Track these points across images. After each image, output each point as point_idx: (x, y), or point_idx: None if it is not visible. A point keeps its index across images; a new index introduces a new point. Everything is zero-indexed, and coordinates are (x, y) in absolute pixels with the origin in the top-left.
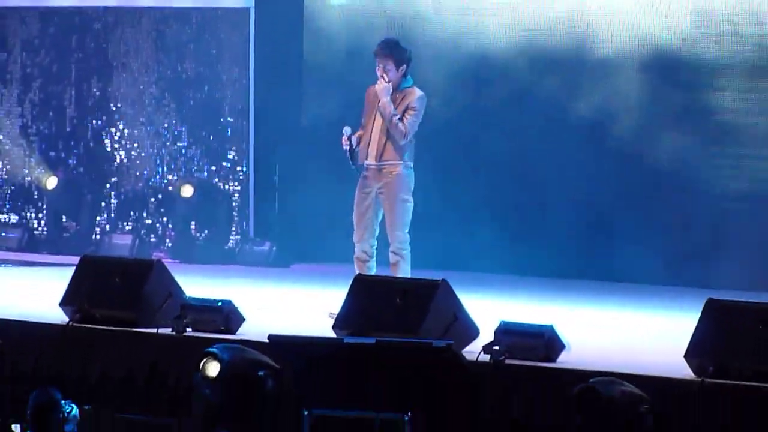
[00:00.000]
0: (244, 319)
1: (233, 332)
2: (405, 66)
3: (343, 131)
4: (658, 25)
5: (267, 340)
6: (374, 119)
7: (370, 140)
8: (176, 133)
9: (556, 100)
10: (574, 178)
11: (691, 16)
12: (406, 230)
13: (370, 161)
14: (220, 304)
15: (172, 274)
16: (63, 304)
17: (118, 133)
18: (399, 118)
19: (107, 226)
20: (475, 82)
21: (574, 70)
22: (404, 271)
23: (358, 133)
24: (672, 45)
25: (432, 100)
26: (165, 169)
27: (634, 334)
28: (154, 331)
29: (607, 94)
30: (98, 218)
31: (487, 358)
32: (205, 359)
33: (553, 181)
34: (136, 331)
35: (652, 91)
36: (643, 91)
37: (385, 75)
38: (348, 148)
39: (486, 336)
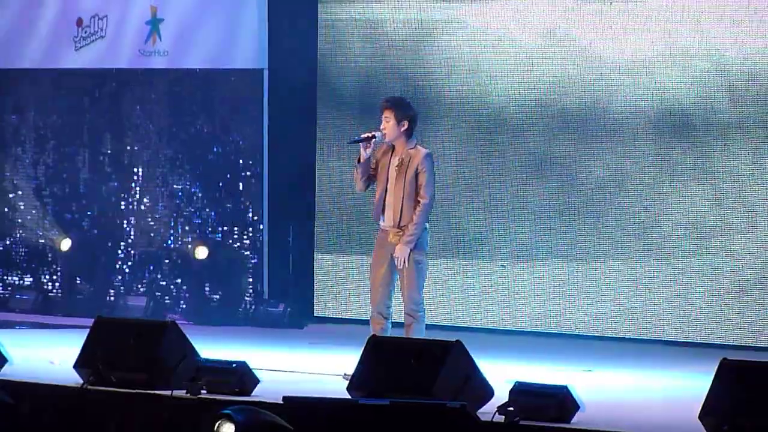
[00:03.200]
0: (259, 381)
1: (248, 394)
2: (407, 123)
3: (375, 134)
4: (672, 83)
5: (282, 402)
6: (387, 180)
7: (385, 203)
8: (190, 194)
9: (570, 160)
10: (586, 235)
11: (705, 75)
12: (421, 291)
13: (387, 224)
14: (234, 365)
15: (187, 335)
16: (78, 366)
17: (132, 195)
18: (415, 200)
19: (121, 288)
20: (488, 142)
21: (587, 129)
22: (419, 332)
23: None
24: (686, 103)
25: (446, 160)
26: (179, 230)
27: (649, 393)
28: (169, 392)
29: (621, 153)
30: (112, 280)
31: (501, 419)
32: (220, 421)
33: (566, 236)
34: (151, 393)
35: (666, 149)
36: (658, 149)
37: (385, 125)
38: (365, 138)
39: (501, 396)
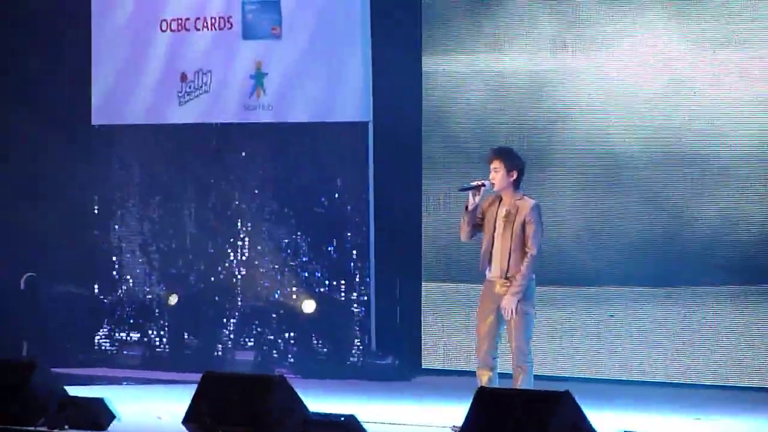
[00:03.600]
0: None
1: None
2: (516, 173)
3: (484, 183)
4: None
5: None
6: (494, 230)
7: (492, 254)
8: (297, 247)
9: (683, 204)
10: (698, 281)
11: None
12: (530, 342)
13: (494, 275)
14: (343, 419)
15: (295, 389)
16: (186, 421)
17: (238, 249)
18: (522, 252)
19: (229, 343)
20: (606, 185)
21: (701, 173)
22: (527, 383)
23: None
24: None
25: (558, 208)
26: (286, 283)
27: None
28: None
29: (735, 198)
30: (220, 334)
31: None
32: None
33: (679, 282)
34: None
35: None
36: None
37: (494, 175)
38: (474, 186)
39: None
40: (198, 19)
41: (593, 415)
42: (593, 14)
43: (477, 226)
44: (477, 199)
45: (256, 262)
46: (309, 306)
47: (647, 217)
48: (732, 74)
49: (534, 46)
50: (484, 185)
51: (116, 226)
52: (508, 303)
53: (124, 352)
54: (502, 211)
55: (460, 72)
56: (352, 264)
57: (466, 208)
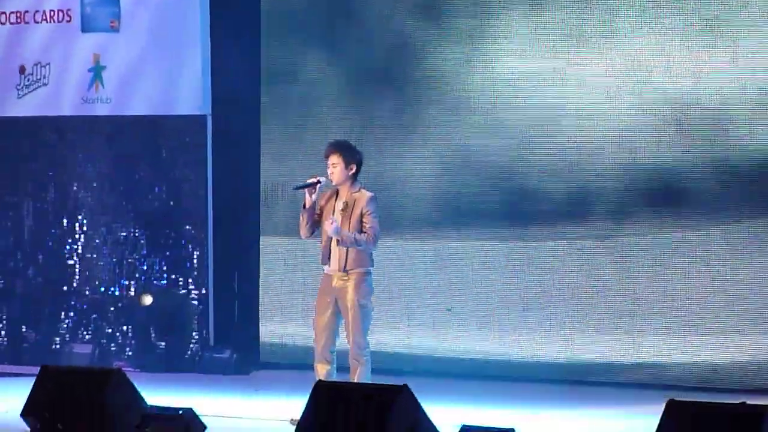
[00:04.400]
0: (205, 428)
1: None
2: (355, 166)
3: (320, 179)
4: None
5: None
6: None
7: (330, 249)
8: (135, 240)
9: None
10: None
11: None
12: (366, 336)
13: (333, 268)
14: (181, 412)
15: (133, 382)
16: (24, 414)
17: (76, 243)
18: (359, 233)
19: (67, 336)
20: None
21: None
22: (365, 376)
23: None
24: None
25: None
26: (124, 277)
27: None
28: None
29: None
30: (58, 328)
31: None
32: None
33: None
34: None
35: None
36: None
37: (333, 170)
38: (310, 183)
39: None
40: (37, 12)
41: (431, 408)
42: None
43: (316, 223)
44: (314, 196)
45: (95, 256)
46: (146, 299)
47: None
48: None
49: (374, 37)
50: (320, 182)
51: None
52: (329, 226)
53: None
54: (340, 205)
55: (299, 64)
56: (190, 257)
57: (304, 206)
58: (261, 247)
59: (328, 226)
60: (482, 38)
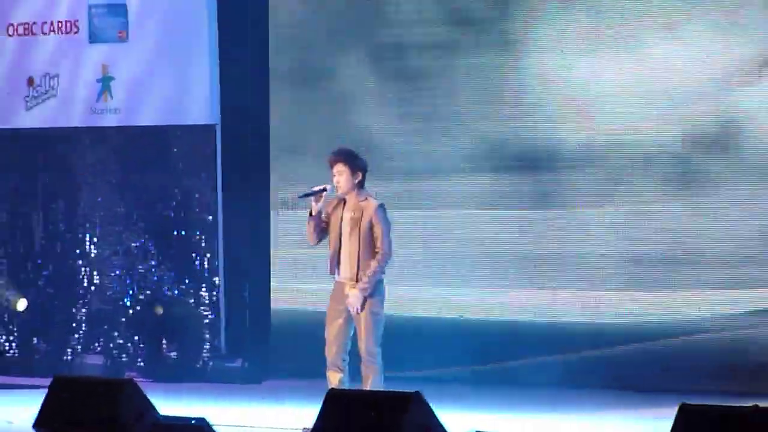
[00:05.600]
0: None
1: None
2: (360, 174)
3: (326, 187)
4: None
5: None
6: (340, 234)
7: (340, 257)
8: (146, 250)
9: None
10: None
11: None
12: (378, 343)
13: (344, 277)
14: (193, 422)
15: (145, 392)
16: (36, 425)
17: (87, 253)
18: (373, 252)
19: (78, 347)
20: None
21: None
22: (376, 384)
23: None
24: None
25: None
26: (135, 287)
27: None
28: None
29: None
30: (69, 339)
31: None
32: None
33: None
34: None
35: None
36: None
37: (338, 179)
38: (316, 191)
39: None
40: (45, 23)
41: (444, 414)
42: None
43: (323, 230)
44: (320, 204)
45: (105, 266)
46: (158, 309)
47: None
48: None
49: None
50: (325, 190)
51: None
52: (355, 299)
53: None
54: (348, 214)
55: (308, 70)
56: (201, 267)
57: (311, 213)
58: (271, 255)
59: (353, 299)
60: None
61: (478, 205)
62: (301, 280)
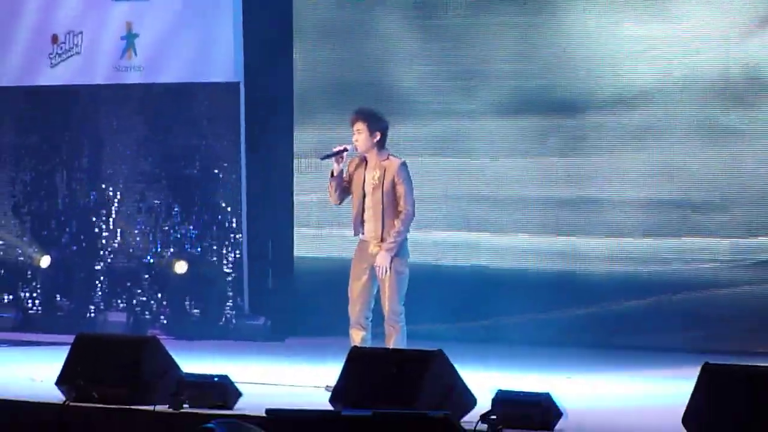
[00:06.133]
0: (240, 394)
1: (230, 407)
2: (380, 134)
3: (347, 147)
4: None
5: (264, 415)
6: (363, 193)
7: (364, 216)
8: (169, 208)
9: None
10: None
11: None
12: (402, 302)
13: (369, 236)
14: (216, 379)
15: (168, 350)
16: (59, 383)
17: (110, 210)
18: (396, 211)
19: (101, 304)
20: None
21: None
22: (399, 343)
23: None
24: None
25: None
26: (159, 245)
27: (631, 400)
28: (151, 408)
29: None
30: (92, 296)
31: (484, 427)
32: None
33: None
34: (133, 409)
35: None
36: None
37: (357, 137)
38: (337, 152)
39: (483, 405)
40: None
41: (466, 373)
42: None
43: (345, 190)
44: (341, 164)
45: (129, 224)
46: (181, 267)
47: None
48: None
49: None
50: (346, 150)
51: None
52: (382, 259)
53: None
54: (370, 174)
55: (333, 28)
56: (224, 225)
57: (332, 173)
58: (295, 213)
59: (381, 261)
60: None
61: (511, 154)
62: (325, 239)
